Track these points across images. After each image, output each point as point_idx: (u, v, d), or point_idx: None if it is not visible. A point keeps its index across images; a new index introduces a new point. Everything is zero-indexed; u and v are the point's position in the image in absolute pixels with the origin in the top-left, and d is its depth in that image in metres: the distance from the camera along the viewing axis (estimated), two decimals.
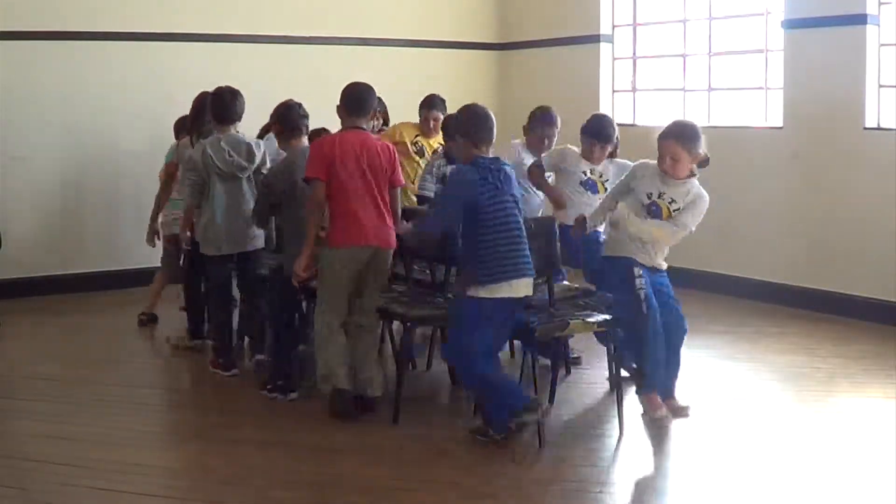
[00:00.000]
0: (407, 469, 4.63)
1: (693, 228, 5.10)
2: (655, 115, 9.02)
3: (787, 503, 4.25)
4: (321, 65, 9.26)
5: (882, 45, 7.20)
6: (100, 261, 8.31)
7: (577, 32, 9.38)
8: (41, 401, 5.67)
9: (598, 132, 6.07)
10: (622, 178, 5.41)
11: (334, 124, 7.31)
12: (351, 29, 9.40)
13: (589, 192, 6.03)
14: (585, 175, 6.07)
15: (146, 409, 5.72)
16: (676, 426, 5.14)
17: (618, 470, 4.67)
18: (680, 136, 5.07)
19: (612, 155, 6.15)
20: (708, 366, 6.30)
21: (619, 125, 9.08)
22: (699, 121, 8.44)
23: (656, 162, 5.13)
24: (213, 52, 8.80)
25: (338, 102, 5.42)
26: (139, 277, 8.51)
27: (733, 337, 6.89)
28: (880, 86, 7.21)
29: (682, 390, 5.74)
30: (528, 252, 4.84)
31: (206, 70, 8.77)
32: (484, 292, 4.76)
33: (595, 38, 9.25)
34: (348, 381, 5.22)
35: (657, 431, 5.06)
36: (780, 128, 7.80)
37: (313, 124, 6.44)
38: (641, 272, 5.05)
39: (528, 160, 6.24)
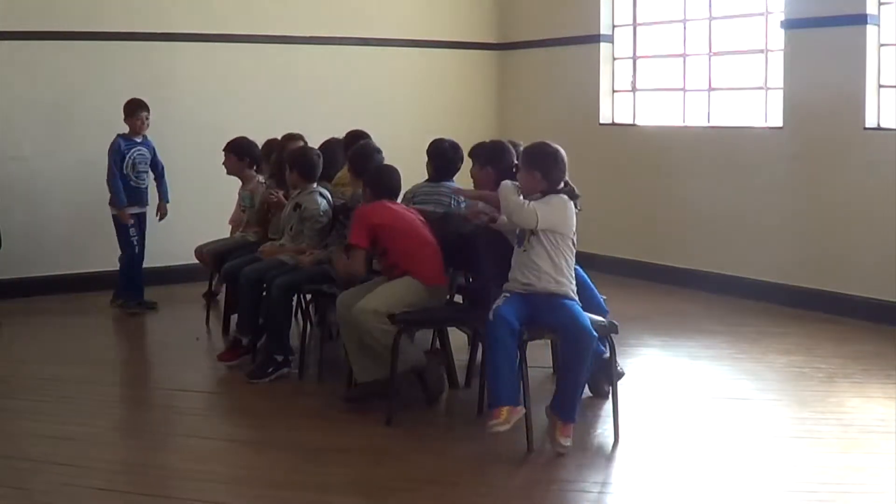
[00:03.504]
0: (407, 469, 4.63)
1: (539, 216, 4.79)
2: (655, 115, 9.04)
3: (787, 503, 4.25)
4: (321, 65, 9.27)
5: (882, 45, 7.19)
6: (99, 261, 8.29)
7: (576, 32, 9.38)
8: (41, 401, 5.66)
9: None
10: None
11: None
12: (351, 29, 9.40)
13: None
14: None
15: (146, 408, 5.73)
16: (677, 427, 5.15)
17: (617, 470, 4.67)
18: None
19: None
20: (708, 366, 6.31)
21: (619, 125, 9.24)
22: (699, 121, 8.53)
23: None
24: (212, 52, 8.80)
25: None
26: None
27: (733, 337, 6.89)
28: (880, 86, 7.21)
29: (683, 390, 5.78)
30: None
31: (205, 70, 8.79)
32: None
33: (595, 38, 9.25)
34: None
35: (656, 432, 5.06)
36: (780, 128, 7.79)
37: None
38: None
39: None
